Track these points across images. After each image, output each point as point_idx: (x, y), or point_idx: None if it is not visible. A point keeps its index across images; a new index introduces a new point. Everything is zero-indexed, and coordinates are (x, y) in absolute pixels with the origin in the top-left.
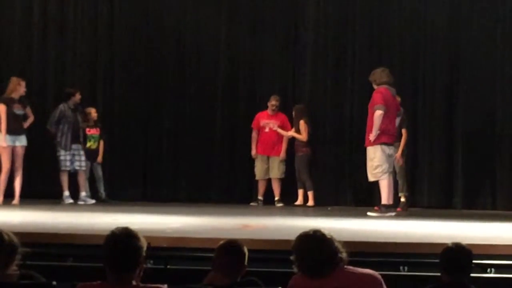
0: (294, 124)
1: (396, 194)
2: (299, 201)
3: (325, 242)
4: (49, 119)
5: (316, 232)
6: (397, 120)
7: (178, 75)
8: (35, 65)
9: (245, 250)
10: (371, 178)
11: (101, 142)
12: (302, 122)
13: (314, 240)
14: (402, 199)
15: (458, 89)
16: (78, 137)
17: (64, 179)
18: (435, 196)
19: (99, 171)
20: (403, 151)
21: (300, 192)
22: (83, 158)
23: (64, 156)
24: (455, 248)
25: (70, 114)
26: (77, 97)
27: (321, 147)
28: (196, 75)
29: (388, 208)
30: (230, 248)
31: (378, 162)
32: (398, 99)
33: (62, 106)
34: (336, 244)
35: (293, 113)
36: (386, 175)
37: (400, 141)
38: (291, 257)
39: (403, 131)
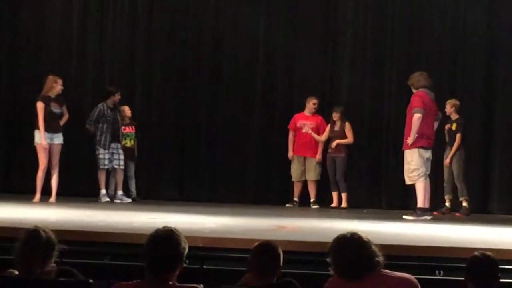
0: (339, 125)
1: (456, 198)
2: (335, 203)
3: (362, 245)
4: (88, 117)
5: (354, 235)
6: (435, 124)
7: (215, 75)
8: (73, 64)
9: (280, 251)
10: (407, 181)
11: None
12: (348, 124)
13: (352, 243)
14: (464, 204)
15: (496, 93)
16: (118, 136)
17: (102, 178)
18: (472, 201)
19: (131, 170)
20: (454, 155)
21: (335, 194)
22: (121, 156)
23: (102, 154)
24: (480, 257)
25: (109, 113)
26: (117, 97)
27: (357, 150)
28: (233, 75)
29: (424, 211)
30: (266, 249)
31: (415, 166)
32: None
33: (101, 105)
34: (373, 247)
35: (337, 114)
36: (422, 178)
37: (451, 146)
38: (328, 259)
39: (458, 136)
